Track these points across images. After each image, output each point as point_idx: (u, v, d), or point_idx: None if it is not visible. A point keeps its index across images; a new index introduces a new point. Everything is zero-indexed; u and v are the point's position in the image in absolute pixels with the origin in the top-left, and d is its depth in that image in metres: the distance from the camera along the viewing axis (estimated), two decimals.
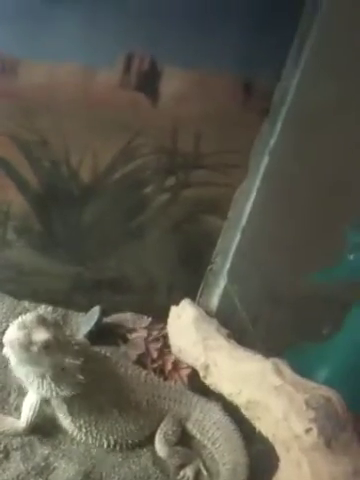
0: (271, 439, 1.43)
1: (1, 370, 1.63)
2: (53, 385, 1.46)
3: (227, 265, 1.90)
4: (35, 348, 1.40)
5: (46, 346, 1.41)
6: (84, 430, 1.54)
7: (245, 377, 1.49)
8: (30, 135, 1.64)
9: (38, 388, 1.48)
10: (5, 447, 1.47)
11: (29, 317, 1.45)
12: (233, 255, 1.88)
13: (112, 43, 1.54)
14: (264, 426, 1.45)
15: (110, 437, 1.56)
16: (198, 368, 1.64)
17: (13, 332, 1.41)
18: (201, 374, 1.63)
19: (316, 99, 1.55)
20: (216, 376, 1.57)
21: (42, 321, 1.45)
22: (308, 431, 1.26)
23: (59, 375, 1.46)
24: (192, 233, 1.90)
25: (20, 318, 1.45)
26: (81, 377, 1.47)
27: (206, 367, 1.59)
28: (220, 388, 1.56)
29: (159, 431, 1.62)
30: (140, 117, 1.64)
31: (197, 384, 1.75)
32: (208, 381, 1.60)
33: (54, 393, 1.47)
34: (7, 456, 1.46)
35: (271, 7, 1.49)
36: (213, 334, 1.67)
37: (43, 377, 1.46)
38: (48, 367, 1.44)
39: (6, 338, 1.42)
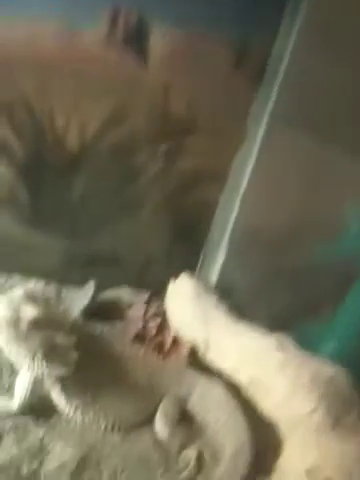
0: (275, 419, 1.37)
1: None
2: (45, 364, 1.39)
3: (226, 237, 1.82)
4: (23, 325, 1.34)
5: (35, 323, 1.34)
6: (80, 411, 1.47)
7: (247, 353, 1.43)
8: (13, 99, 1.54)
9: (29, 367, 1.41)
10: None
11: (16, 293, 1.38)
12: (232, 227, 1.80)
13: None
14: (267, 405, 1.40)
15: (108, 418, 1.50)
16: (198, 344, 1.57)
17: (0, 310, 1.34)
18: (201, 350, 1.56)
19: (312, 62, 1.47)
20: (216, 352, 1.51)
21: (31, 297, 1.38)
22: (314, 410, 1.20)
23: (51, 353, 1.39)
24: (189, 204, 1.82)
25: (7, 294, 1.38)
26: (74, 355, 1.41)
27: (206, 342, 1.53)
28: (221, 364, 1.50)
29: (159, 411, 1.55)
30: (128, 78, 1.54)
31: (197, 361, 1.69)
32: (208, 357, 1.54)
33: (46, 372, 1.41)
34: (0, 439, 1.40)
35: None
36: (213, 309, 1.60)
37: (34, 355, 1.39)
38: (38, 345, 1.37)
39: None
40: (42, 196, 1.74)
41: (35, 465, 1.38)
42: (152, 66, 1.54)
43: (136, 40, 1.50)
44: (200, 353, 1.57)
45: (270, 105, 1.58)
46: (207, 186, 1.76)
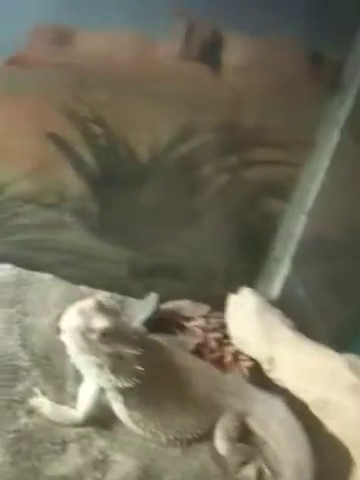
0: (344, 441, 1.32)
1: (57, 356, 1.57)
2: (111, 376, 1.39)
3: (290, 252, 1.79)
4: (94, 336, 1.34)
5: (105, 334, 1.34)
6: (142, 424, 1.47)
7: (315, 373, 1.39)
8: (87, 111, 1.56)
9: (96, 378, 1.42)
10: (62, 439, 1.41)
11: (88, 303, 1.38)
12: (297, 241, 1.76)
13: (172, 11, 1.43)
14: (336, 426, 1.35)
15: (168, 432, 1.48)
16: (262, 361, 1.54)
17: (72, 318, 1.35)
18: (265, 368, 1.53)
19: None
20: (282, 371, 1.47)
21: (101, 308, 1.39)
22: None
23: (117, 365, 1.39)
24: (252, 217, 1.78)
25: (79, 304, 1.38)
26: (140, 368, 1.40)
27: (271, 360, 1.49)
28: (286, 383, 1.46)
29: (219, 426, 1.53)
30: (201, 90, 1.53)
31: (258, 378, 1.66)
32: (273, 375, 1.50)
33: (112, 384, 1.41)
34: (64, 448, 1.39)
35: None
36: (278, 325, 1.56)
37: (101, 367, 1.39)
38: (106, 356, 1.37)
39: (65, 324, 1.36)
40: (110, 207, 1.75)
41: (98, 476, 1.38)
42: (225, 78, 1.53)
43: (210, 52, 1.49)
44: (265, 371, 1.53)
45: (342, 116, 1.54)
46: (273, 198, 1.72)
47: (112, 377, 1.40)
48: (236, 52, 1.51)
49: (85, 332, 1.34)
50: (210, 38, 1.48)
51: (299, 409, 1.49)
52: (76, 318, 1.36)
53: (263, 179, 1.69)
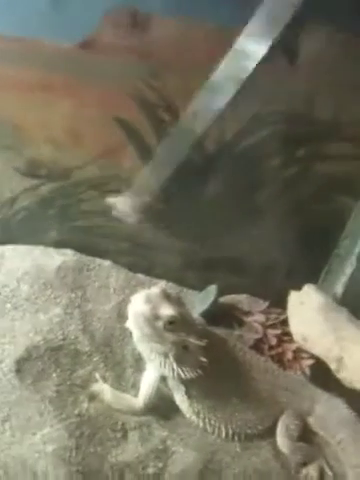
0: None
1: (118, 343, 1.56)
2: (175, 365, 1.37)
3: (356, 250, 1.72)
4: (160, 323, 1.33)
5: (171, 322, 1.33)
6: (202, 416, 1.44)
7: None
8: (156, 97, 1.54)
9: (159, 366, 1.39)
10: (123, 426, 1.40)
11: (154, 291, 1.37)
12: None
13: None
14: None
15: (228, 426, 1.45)
16: (329, 360, 1.49)
17: (139, 305, 1.34)
18: (332, 367, 1.48)
19: None
20: (352, 370, 1.41)
21: (167, 296, 1.37)
22: None
23: (182, 355, 1.37)
24: (319, 212, 1.74)
25: (145, 291, 1.37)
26: (204, 359, 1.37)
27: (339, 360, 1.45)
28: (356, 383, 1.41)
29: (281, 424, 1.49)
30: (275, 79, 1.49)
31: (320, 377, 1.61)
32: (341, 375, 1.45)
33: (175, 373, 1.38)
34: (125, 436, 1.39)
35: None
36: (345, 324, 1.51)
37: (165, 355, 1.37)
38: (171, 345, 1.36)
39: (131, 311, 1.36)
40: (174, 197, 1.74)
41: (160, 466, 1.36)
42: (300, 69, 1.49)
43: (286, 42, 1.46)
44: (332, 370, 1.48)
45: None
46: (341, 194, 1.68)
47: (175, 366, 1.38)
48: (313, 43, 1.47)
49: (151, 319, 1.33)
50: (287, 26, 1.45)
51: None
52: (143, 305, 1.34)
53: (333, 174, 1.65)
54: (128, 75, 1.53)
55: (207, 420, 1.45)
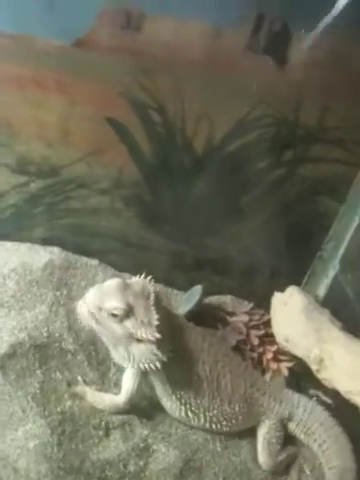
0: None
1: (102, 343, 1.53)
2: (129, 356, 1.36)
3: (340, 252, 1.75)
4: (104, 314, 1.32)
5: (114, 314, 1.31)
6: (183, 401, 1.44)
7: None
8: (148, 97, 1.54)
9: (117, 358, 1.41)
10: (106, 424, 1.41)
11: (110, 283, 1.37)
12: (348, 242, 1.72)
13: (243, 1, 1.42)
14: None
15: (207, 414, 1.46)
16: (310, 361, 1.51)
17: (87, 297, 1.35)
18: (313, 368, 1.49)
19: None
20: (332, 371, 1.43)
21: (122, 288, 1.35)
22: None
23: (138, 346, 1.34)
24: (304, 215, 1.75)
25: (102, 283, 1.37)
26: (159, 353, 1.33)
27: (320, 361, 1.46)
28: (336, 384, 1.43)
29: (261, 440, 1.50)
30: (264, 83, 1.50)
31: (296, 379, 1.65)
32: (321, 376, 1.47)
33: (131, 364, 1.37)
34: (107, 434, 1.40)
35: None
36: (327, 325, 1.53)
37: (116, 347, 1.37)
38: (121, 337, 1.34)
39: (78, 303, 1.35)
40: (161, 197, 1.74)
41: (141, 464, 1.38)
42: (289, 73, 1.50)
43: (277, 46, 1.47)
44: (313, 371, 1.50)
45: None
46: (326, 198, 1.69)
47: (130, 357, 1.36)
48: (303, 47, 1.48)
49: (94, 311, 1.32)
50: (278, 31, 1.46)
51: (349, 411, 1.46)
52: (91, 296, 1.34)
53: (318, 177, 1.66)
54: (121, 74, 1.52)
55: (188, 406, 1.45)
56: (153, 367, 1.36)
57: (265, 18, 1.44)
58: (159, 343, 1.34)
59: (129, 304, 1.33)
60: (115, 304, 1.32)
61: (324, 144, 1.60)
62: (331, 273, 1.78)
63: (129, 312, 1.33)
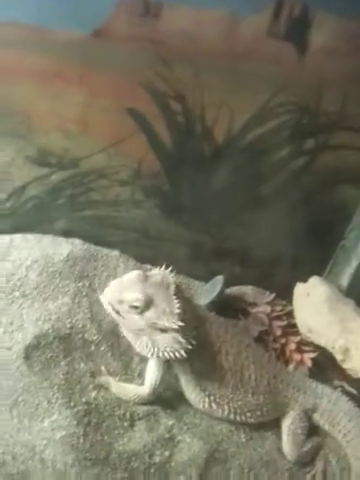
0: None
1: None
2: (151, 346, 1.36)
3: None
4: (125, 307, 1.33)
5: (135, 306, 1.32)
6: (208, 393, 1.44)
7: None
8: (167, 87, 1.53)
9: (139, 349, 1.40)
10: (131, 415, 1.41)
11: (129, 275, 1.38)
12: None
13: None
14: None
15: (231, 405, 1.45)
16: (335, 351, 1.50)
17: (107, 291, 1.36)
18: (338, 358, 1.49)
19: None
20: (358, 361, 1.42)
21: (142, 280, 1.36)
22: None
23: (160, 337, 1.35)
24: (325, 204, 1.74)
25: (122, 277, 1.39)
26: (183, 340, 1.33)
27: (346, 351, 1.45)
28: None
29: (286, 430, 1.50)
30: (284, 71, 1.48)
31: (320, 369, 1.63)
32: (347, 366, 1.46)
33: (160, 353, 1.36)
34: (132, 424, 1.40)
35: None
36: (351, 315, 1.52)
37: (139, 338, 1.37)
38: (144, 327, 1.34)
39: (101, 297, 1.37)
40: (181, 187, 1.73)
41: (167, 454, 1.38)
42: (309, 60, 1.47)
43: (297, 33, 1.45)
44: (338, 361, 1.49)
45: None
46: (348, 186, 1.67)
47: (152, 348, 1.36)
48: (323, 32, 1.46)
49: (115, 303, 1.34)
50: (298, 18, 1.44)
51: None
52: (111, 289, 1.36)
53: (340, 166, 1.64)
54: (140, 64, 1.51)
55: (212, 397, 1.45)
56: (178, 355, 1.36)
57: (285, 3, 1.42)
58: (182, 331, 1.34)
59: (149, 295, 1.34)
60: (135, 296, 1.33)
61: (346, 132, 1.58)
62: (354, 262, 1.76)
63: (149, 303, 1.34)
